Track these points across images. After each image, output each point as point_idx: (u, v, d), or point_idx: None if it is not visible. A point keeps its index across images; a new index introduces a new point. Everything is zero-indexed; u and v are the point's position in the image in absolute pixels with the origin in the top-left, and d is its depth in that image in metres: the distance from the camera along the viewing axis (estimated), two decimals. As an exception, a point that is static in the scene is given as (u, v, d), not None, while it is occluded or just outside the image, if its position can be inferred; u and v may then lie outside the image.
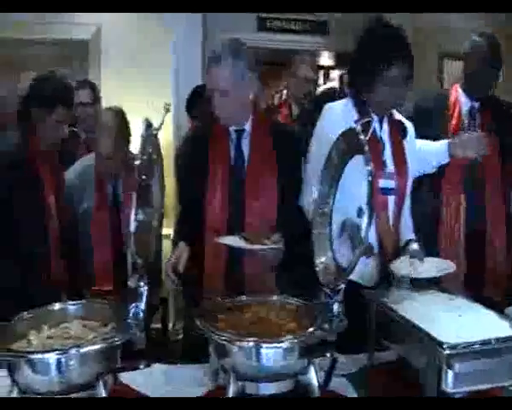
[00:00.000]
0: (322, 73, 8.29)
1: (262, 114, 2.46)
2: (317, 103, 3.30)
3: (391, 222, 2.20)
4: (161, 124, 1.52)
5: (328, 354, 1.55)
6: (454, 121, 2.70)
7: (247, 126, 2.21)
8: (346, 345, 1.66)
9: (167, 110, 1.55)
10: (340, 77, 5.57)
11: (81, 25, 5.00)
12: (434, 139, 2.52)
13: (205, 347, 1.57)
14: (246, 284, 2.10)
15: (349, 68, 2.36)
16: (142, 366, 1.51)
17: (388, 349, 1.78)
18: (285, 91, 10.26)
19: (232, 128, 2.20)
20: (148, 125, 1.51)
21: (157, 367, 1.61)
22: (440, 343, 1.42)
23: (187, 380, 1.66)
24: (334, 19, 5.27)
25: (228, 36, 5.28)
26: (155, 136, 1.49)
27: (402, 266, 1.96)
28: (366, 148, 1.51)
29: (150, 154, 1.45)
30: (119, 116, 2.85)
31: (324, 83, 8.39)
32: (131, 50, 4.94)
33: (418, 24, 4.91)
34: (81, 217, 2.79)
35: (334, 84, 6.79)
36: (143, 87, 4.79)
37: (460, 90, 2.76)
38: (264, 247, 1.98)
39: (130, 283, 1.45)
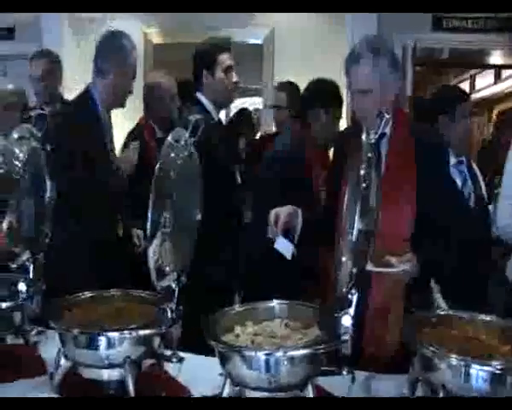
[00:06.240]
0: (492, 72, 7.85)
1: (405, 115, 2.29)
2: None
3: None
4: (377, 131, 1.54)
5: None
6: None
7: (388, 130, 2.04)
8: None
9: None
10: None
11: (256, 26, 5.16)
12: None
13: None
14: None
15: None
16: (344, 373, 1.52)
17: None
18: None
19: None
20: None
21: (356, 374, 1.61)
22: None
23: (386, 389, 1.66)
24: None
25: (403, 36, 5.15)
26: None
27: None
28: None
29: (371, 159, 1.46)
30: None
31: (495, 83, 7.94)
32: (304, 52, 5.02)
33: None
34: None
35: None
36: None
37: None
38: (392, 270, 1.83)
39: (341, 290, 1.46)
